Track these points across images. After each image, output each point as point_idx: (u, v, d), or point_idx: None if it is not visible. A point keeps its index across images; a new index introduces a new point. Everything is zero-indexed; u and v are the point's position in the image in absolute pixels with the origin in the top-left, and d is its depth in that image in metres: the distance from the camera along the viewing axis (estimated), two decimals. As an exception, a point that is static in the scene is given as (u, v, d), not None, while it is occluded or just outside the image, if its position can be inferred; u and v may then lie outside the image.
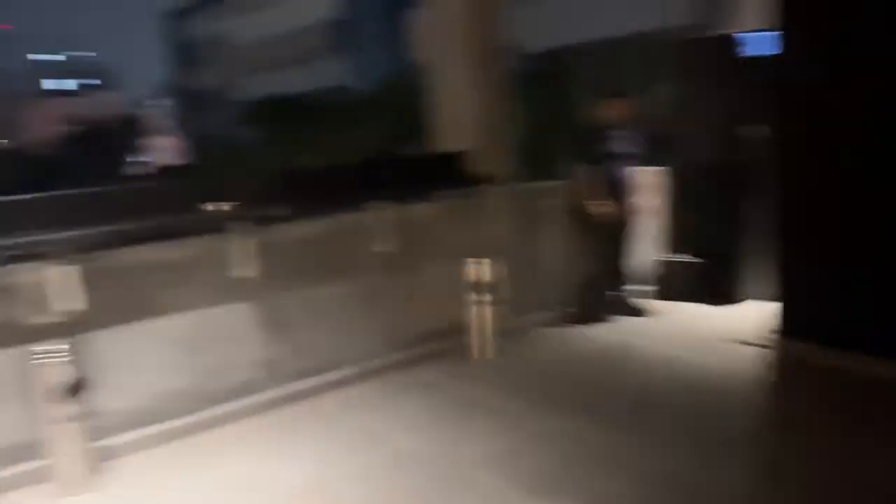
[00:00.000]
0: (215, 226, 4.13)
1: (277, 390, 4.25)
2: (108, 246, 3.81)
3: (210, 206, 4.16)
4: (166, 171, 29.89)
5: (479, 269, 4.77)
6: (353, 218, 4.64)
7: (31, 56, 72.40)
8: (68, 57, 76.83)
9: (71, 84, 72.59)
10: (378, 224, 4.63)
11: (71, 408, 3.37)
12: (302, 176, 5.51)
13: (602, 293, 5.50)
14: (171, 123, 45.25)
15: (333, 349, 4.51)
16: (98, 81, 73.66)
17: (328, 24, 33.43)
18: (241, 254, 4.10)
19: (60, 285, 3.55)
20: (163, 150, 39.49)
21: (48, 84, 69.82)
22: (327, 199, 4.73)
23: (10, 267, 3.55)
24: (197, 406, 4.00)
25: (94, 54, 79.44)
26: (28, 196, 3.90)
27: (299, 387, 4.32)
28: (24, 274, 3.55)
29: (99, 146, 32.17)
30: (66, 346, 3.40)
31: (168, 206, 4.17)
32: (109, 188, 4.49)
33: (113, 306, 3.75)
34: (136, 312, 3.86)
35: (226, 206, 4.18)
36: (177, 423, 3.92)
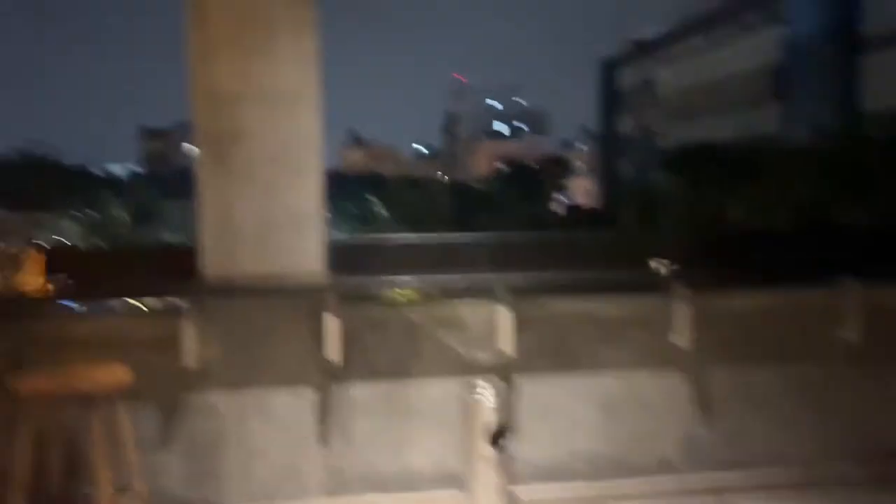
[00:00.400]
0: (648, 284, 3.88)
1: (695, 477, 3.78)
2: (541, 291, 3.83)
3: (645, 263, 3.93)
4: (586, 214, 31.30)
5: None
6: (805, 294, 3.96)
7: (487, 102, 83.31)
8: (505, 103, 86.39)
9: (507, 127, 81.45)
10: (840, 305, 3.86)
11: (494, 448, 3.41)
12: (738, 236, 4.96)
13: None
14: (592, 167, 47.50)
15: (768, 444, 3.87)
16: (528, 126, 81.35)
17: (764, 70, 31.49)
18: (674, 318, 3.76)
19: (497, 325, 3.65)
20: (581, 192, 41.64)
21: (494, 127, 79.45)
22: (771, 266, 4.13)
23: (457, 301, 3.78)
24: (607, 473, 3.77)
25: (524, 102, 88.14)
26: (472, 235, 4.13)
27: (720, 478, 3.79)
28: (468, 308, 3.73)
29: (527, 185, 35.19)
30: (495, 386, 3.46)
31: (598, 257, 4.06)
32: (546, 234, 4.55)
33: (540, 353, 3.74)
34: (560, 363, 3.79)
35: (660, 264, 3.90)
36: (585, 485, 3.73)
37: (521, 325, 3.65)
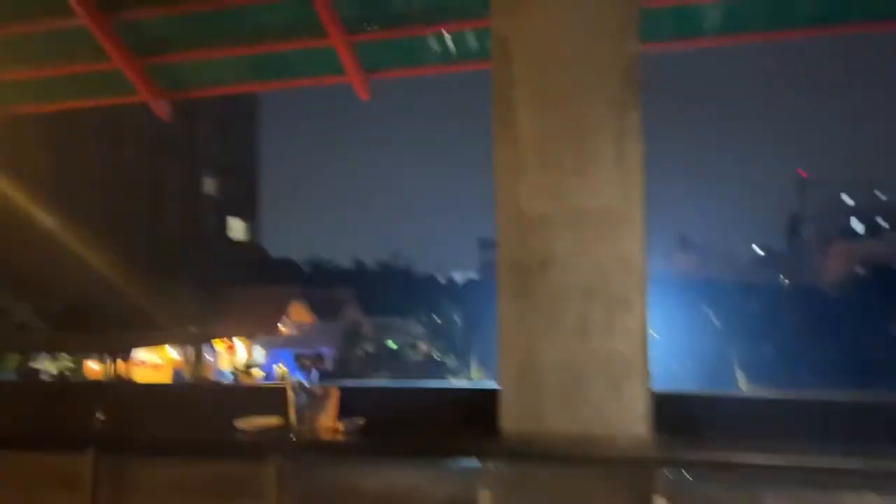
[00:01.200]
0: None
1: None
2: None
3: None
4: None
5: None
6: None
7: (840, 198, 74.84)
8: (862, 198, 76.46)
9: (865, 225, 71.66)
10: None
11: None
12: None
13: None
14: None
15: None
16: (892, 223, 70.60)
17: None
18: None
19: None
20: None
21: (850, 225, 70.72)
22: None
23: (845, 491, 2.64)
24: None
25: (885, 197, 77.19)
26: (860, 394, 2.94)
27: None
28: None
29: (894, 291, 29.77)
30: None
31: None
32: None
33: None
34: None
35: None
36: None
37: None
